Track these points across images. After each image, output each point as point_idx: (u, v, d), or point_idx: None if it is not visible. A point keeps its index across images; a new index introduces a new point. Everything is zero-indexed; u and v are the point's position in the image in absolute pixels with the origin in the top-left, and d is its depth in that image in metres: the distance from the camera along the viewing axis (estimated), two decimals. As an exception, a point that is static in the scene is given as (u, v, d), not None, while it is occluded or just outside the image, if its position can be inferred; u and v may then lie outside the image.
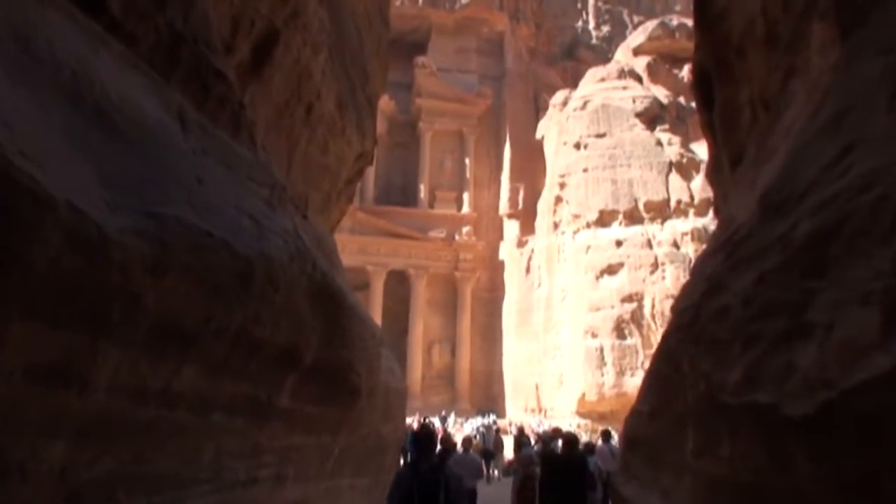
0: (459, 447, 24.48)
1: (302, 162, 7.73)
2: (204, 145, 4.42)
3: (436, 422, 35.26)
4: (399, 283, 52.50)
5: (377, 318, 48.99)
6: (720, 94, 9.04)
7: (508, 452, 28.76)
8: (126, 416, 3.61)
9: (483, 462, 19.56)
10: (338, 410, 6.62)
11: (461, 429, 35.36)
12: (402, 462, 25.43)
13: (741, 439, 3.12)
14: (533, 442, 25.14)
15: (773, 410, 2.63)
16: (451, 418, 37.84)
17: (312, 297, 5.20)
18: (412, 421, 32.86)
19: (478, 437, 28.95)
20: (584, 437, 26.34)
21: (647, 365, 33.82)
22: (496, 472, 28.38)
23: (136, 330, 3.41)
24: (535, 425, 37.87)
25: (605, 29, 68.04)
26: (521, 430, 30.85)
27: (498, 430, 32.32)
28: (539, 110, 56.54)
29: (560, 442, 17.72)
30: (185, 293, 3.63)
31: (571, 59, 63.78)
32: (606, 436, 17.78)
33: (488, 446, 28.15)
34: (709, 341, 3.54)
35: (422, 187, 55.30)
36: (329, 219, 9.08)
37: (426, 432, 8.59)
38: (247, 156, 5.17)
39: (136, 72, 4.13)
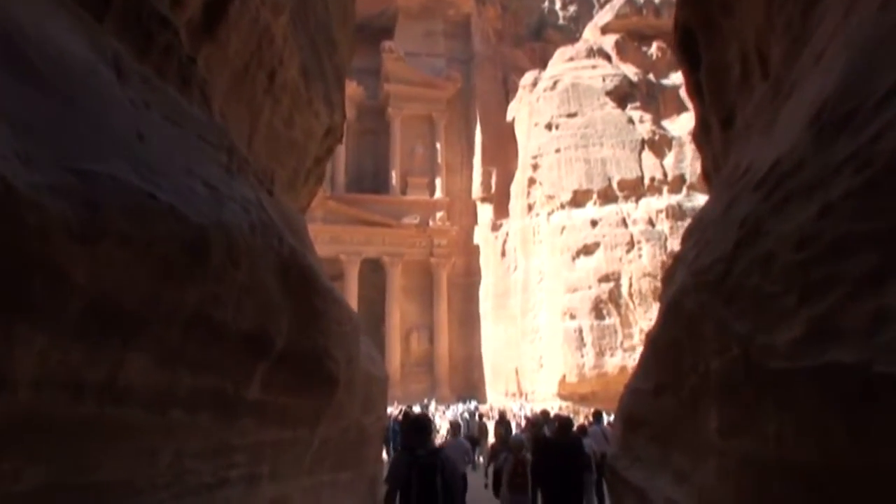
0: (444, 433, 23.96)
1: (266, 134, 7.09)
2: (146, 98, 3.79)
3: (416, 410, 34.80)
4: (374, 272, 51.88)
5: (353, 307, 48.24)
6: (706, 54, 8.54)
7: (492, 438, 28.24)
8: (59, 415, 3.01)
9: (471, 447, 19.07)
10: (315, 401, 6.03)
11: (444, 416, 34.86)
12: (384, 452, 24.97)
13: (800, 412, 2.59)
14: (518, 427, 24.66)
15: (858, 371, 2.11)
16: (433, 406, 37.30)
17: (281, 275, 4.61)
18: (392, 410, 32.37)
19: (461, 423, 28.40)
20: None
21: (626, 344, 33.57)
22: (481, 459, 27.86)
23: (64, 311, 2.81)
24: (517, 409, 37.51)
25: (572, 9, 67.56)
26: (502, 416, 30.29)
27: (481, 416, 31.73)
28: (509, 92, 56.02)
29: (549, 426, 17.27)
30: (126, 267, 3.04)
31: (539, 40, 63.32)
32: (598, 417, 17.23)
33: (472, 433, 27.54)
34: (748, 297, 3.00)
35: (393, 174, 54.64)
36: (297, 198, 8.44)
37: (422, 419, 8.99)
38: (199, 115, 4.54)
39: (61, 9, 3.50)
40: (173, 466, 3.84)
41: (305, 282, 4.97)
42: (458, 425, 24.17)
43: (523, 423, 29.13)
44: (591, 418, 19.02)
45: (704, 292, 3.68)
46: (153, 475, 3.77)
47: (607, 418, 19.10)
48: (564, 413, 31.86)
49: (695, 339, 4.16)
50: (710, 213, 4.71)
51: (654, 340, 4.88)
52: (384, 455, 25.46)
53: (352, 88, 55.02)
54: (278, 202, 6.29)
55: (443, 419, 31.83)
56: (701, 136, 8.54)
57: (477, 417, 30.58)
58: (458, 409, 35.79)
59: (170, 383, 3.72)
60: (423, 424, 8.40)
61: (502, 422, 25.23)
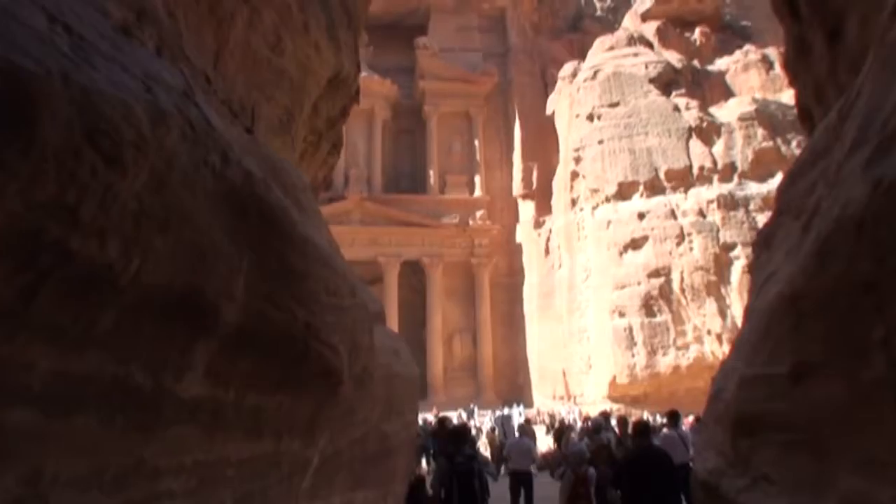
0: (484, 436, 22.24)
1: (241, 55, 5.56)
2: None
3: (459, 416, 33.21)
4: (414, 274, 50.53)
5: (393, 310, 47.16)
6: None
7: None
8: None
9: (535, 446, 17.35)
10: (310, 402, 4.49)
11: (480, 422, 33.15)
12: (424, 461, 23.40)
13: None
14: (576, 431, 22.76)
15: None
16: (476, 411, 35.60)
17: (228, 210, 3.09)
18: (428, 416, 30.80)
19: (496, 428, 26.34)
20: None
21: (679, 342, 31.70)
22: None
23: None
24: (565, 413, 35.72)
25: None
26: (561, 421, 28.14)
27: (527, 420, 29.55)
28: (547, 85, 54.43)
29: (615, 431, 15.01)
30: None
31: (577, 31, 61.46)
32: (675, 418, 14.57)
33: (506, 438, 25.53)
34: None
35: (431, 172, 53.24)
36: (292, 147, 6.88)
37: (459, 428, 10.71)
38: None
39: None
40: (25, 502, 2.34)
41: (273, 227, 3.43)
42: (528, 424, 22.45)
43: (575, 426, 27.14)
44: (663, 420, 16.55)
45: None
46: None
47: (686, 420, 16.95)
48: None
49: (873, 296, 2.55)
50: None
51: (794, 297, 3.25)
52: (423, 465, 23.86)
53: (386, 87, 54.02)
54: (261, 146, 4.76)
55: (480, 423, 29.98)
56: (795, 61, 6.84)
57: (516, 421, 28.17)
58: (496, 414, 33.85)
59: (16, 369, 2.22)
60: (459, 433, 9.81)
61: (562, 428, 22.97)
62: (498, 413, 33.53)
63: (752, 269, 6.44)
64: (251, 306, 3.33)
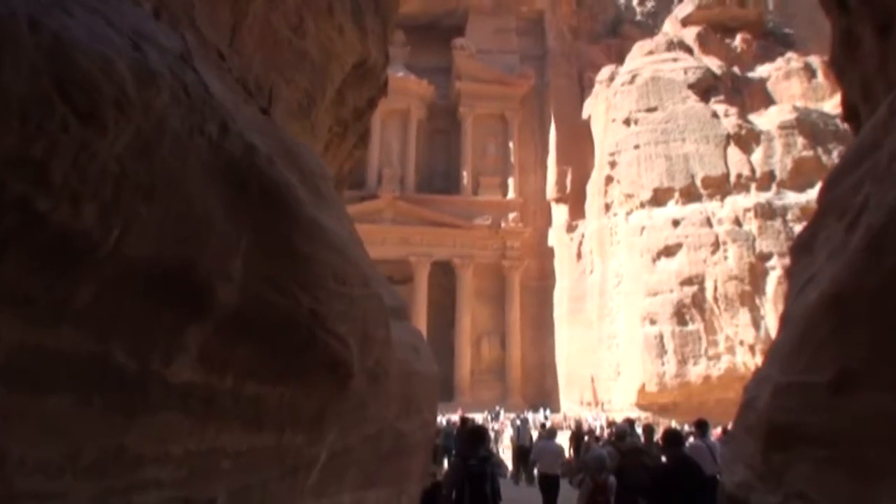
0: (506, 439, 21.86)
1: (260, 33, 5.38)
2: None
3: (485, 418, 32.92)
4: (444, 274, 50.29)
5: (422, 311, 47.04)
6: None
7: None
8: None
9: (563, 449, 16.90)
10: (316, 395, 4.29)
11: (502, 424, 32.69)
12: (446, 462, 23.14)
13: None
14: (600, 438, 22.28)
15: None
16: (502, 414, 35.24)
17: (226, 183, 2.90)
18: (452, 417, 30.53)
19: (513, 432, 25.78)
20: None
21: (711, 352, 31.08)
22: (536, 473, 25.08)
23: None
24: (592, 419, 35.25)
25: (650, 4, 65.01)
26: (578, 426, 27.62)
27: (550, 425, 28.72)
28: (584, 90, 53.94)
29: (640, 439, 14.46)
30: None
31: (615, 36, 60.91)
32: (703, 428, 13.62)
33: (523, 442, 24.79)
34: None
35: (464, 173, 53.02)
36: (312, 133, 6.67)
37: (476, 429, 10.31)
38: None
39: None
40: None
41: (276, 205, 3.23)
42: (554, 428, 22.02)
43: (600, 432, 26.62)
44: (692, 429, 15.80)
45: None
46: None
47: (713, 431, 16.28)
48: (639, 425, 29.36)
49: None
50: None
51: (839, 296, 2.96)
52: (445, 465, 23.57)
53: (423, 87, 53.94)
54: (276, 127, 4.57)
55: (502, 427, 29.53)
56: (842, 57, 6.52)
57: (533, 425, 27.43)
58: (512, 416, 33.31)
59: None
60: (475, 434, 9.48)
61: (580, 433, 22.51)
62: (513, 416, 33.12)
63: (790, 274, 6.14)
64: (250, 288, 3.13)
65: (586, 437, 23.35)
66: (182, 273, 2.77)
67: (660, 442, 11.36)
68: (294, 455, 4.35)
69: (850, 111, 6.67)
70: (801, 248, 5.56)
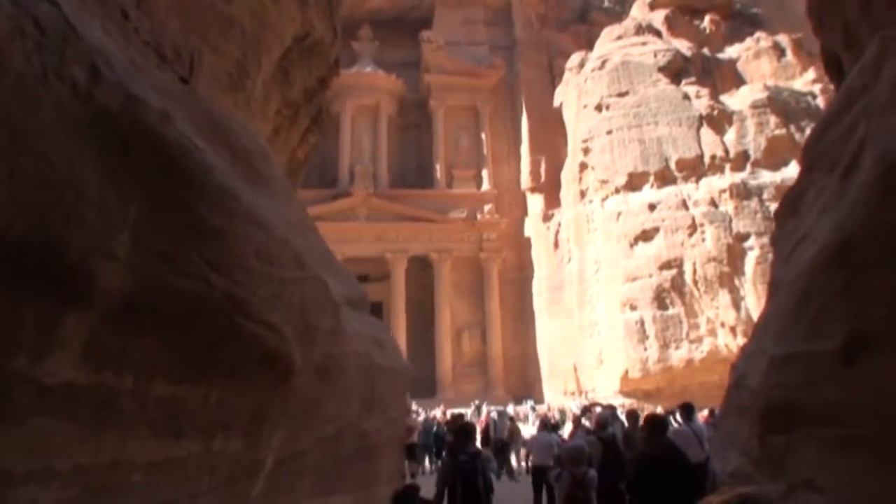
0: (533, 427, 21.46)
1: (176, -7, 4.89)
2: None
3: (472, 414, 32.43)
4: (422, 270, 49.79)
5: (401, 307, 46.63)
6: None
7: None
8: None
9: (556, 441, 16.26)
10: (251, 395, 3.77)
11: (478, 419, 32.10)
12: (427, 458, 22.61)
13: None
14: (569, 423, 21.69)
15: None
16: (484, 407, 34.74)
17: (99, 140, 2.38)
18: (437, 413, 30.02)
19: (490, 424, 25.01)
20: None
21: (692, 335, 30.82)
22: (518, 465, 24.26)
23: None
24: (576, 408, 34.87)
25: (618, -10, 64.62)
26: (544, 416, 26.60)
27: (512, 419, 27.56)
28: (555, 78, 53.57)
29: (624, 426, 13.91)
30: None
31: (584, 22, 60.50)
32: (688, 411, 12.80)
33: (500, 436, 24.08)
34: None
35: (438, 167, 52.52)
36: (248, 108, 6.09)
37: (463, 424, 10.45)
38: None
39: None
40: None
41: (173, 170, 2.70)
42: (548, 419, 21.47)
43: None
44: (675, 414, 14.97)
45: None
46: None
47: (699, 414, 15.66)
48: (623, 411, 28.79)
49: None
50: None
51: (845, 247, 2.47)
52: (427, 464, 23.01)
53: (391, 82, 53.38)
54: (196, 95, 4.04)
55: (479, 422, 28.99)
56: (821, 3, 6.07)
57: (507, 419, 26.61)
58: (498, 410, 32.68)
59: None
60: (463, 430, 9.52)
61: (546, 421, 21.85)
62: (490, 409, 32.52)
63: (775, 241, 5.69)
64: (143, 269, 2.61)
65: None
66: (48, 251, 2.25)
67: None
68: (230, 463, 3.83)
69: (830, 60, 6.23)
70: (785, 213, 5.12)
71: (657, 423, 8.14)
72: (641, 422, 10.07)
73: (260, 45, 5.97)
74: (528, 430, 28.26)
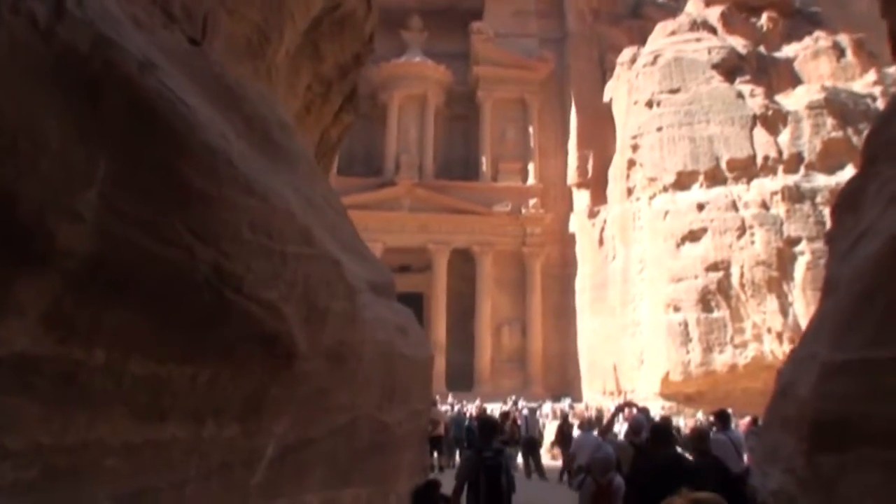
0: (576, 429, 21.07)
1: (190, -51, 4.65)
2: None
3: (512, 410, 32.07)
4: (464, 262, 49.51)
5: (442, 299, 46.50)
6: None
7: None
8: None
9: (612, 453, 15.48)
10: (250, 378, 3.51)
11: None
12: (458, 452, 22.27)
13: None
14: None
15: None
16: (521, 403, 34.36)
17: (63, 84, 2.12)
18: (470, 407, 29.71)
19: (520, 422, 24.65)
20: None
21: (737, 340, 30.00)
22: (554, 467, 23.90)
23: None
24: (614, 409, 34.27)
25: (673, -15, 63.48)
26: (564, 416, 26.03)
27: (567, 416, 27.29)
28: (605, 72, 52.68)
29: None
30: None
31: (637, 17, 59.53)
32: (724, 419, 12.06)
33: (532, 433, 23.66)
34: None
35: (483, 160, 52.13)
36: (269, 77, 5.83)
37: (488, 420, 10.72)
38: None
39: None
40: None
41: (152, 125, 2.43)
42: (591, 420, 21.02)
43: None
44: (711, 420, 14.12)
45: None
46: None
47: (737, 421, 15.08)
48: (664, 414, 28.09)
49: None
50: None
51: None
52: (457, 457, 22.70)
53: (440, 72, 53.13)
54: (208, 59, 3.77)
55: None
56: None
57: (539, 415, 25.94)
58: (531, 407, 32.25)
59: None
60: (488, 425, 9.44)
61: (565, 424, 21.09)
62: (523, 406, 32.12)
63: (831, 238, 5.26)
64: (115, 233, 2.34)
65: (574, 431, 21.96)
66: (-4, 205, 1.99)
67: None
68: (223, 450, 3.56)
69: (897, 46, 5.79)
70: (844, 207, 4.72)
71: (660, 432, 7.79)
72: (646, 431, 9.65)
73: (283, 9, 5.70)
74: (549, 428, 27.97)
